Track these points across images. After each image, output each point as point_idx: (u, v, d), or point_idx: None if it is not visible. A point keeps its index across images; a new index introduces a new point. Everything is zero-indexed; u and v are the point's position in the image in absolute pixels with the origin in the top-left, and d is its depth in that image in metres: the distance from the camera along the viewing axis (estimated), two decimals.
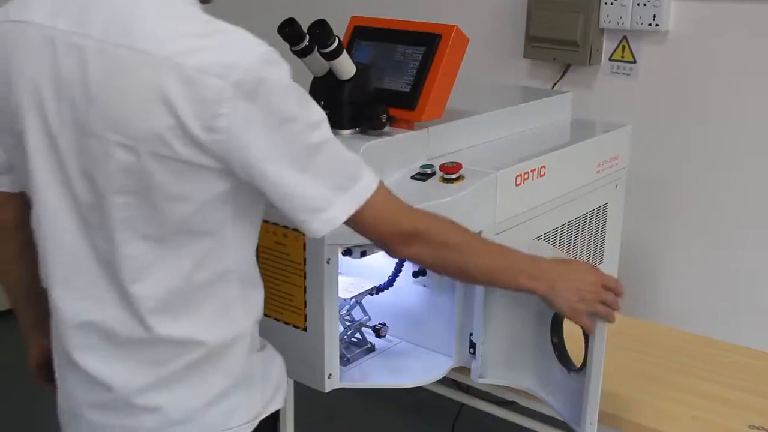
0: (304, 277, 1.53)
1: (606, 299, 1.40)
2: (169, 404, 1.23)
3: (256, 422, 1.30)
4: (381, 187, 1.20)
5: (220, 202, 1.16)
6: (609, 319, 1.42)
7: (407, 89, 1.63)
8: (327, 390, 1.59)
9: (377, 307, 1.75)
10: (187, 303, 1.21)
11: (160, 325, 1.20)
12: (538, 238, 1.79)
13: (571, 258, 1.46)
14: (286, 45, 1.53)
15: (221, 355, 1.24)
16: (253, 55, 1.09)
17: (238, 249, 1.22)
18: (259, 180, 1.12)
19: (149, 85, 1.08)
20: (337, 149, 1.17)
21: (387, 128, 1.60)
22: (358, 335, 1.74)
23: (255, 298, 1.29)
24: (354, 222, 1.19)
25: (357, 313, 1.73)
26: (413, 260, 1.33)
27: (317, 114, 1.15)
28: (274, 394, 1.34)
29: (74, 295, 1.23)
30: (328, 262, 1.50)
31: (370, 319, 1.74)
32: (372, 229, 1.22)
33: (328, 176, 1.15)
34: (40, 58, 1.15)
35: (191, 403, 1.24)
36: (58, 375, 1.32)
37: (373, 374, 1.67)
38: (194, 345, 1.22)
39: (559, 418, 1.54)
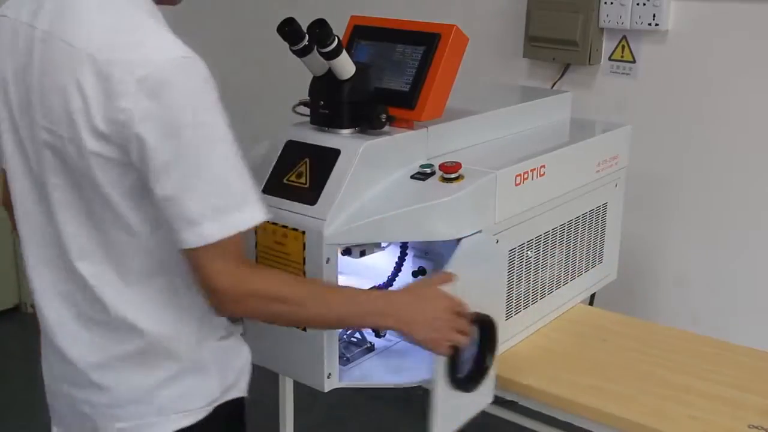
0: (304, 277, 1.53)
1: (459, 327, 1.42)
2: (119, 383, 1.30)
3: (211, 408, 1.35)
4: (244, 233, 1.20)
5: (138, 198, 1.21)
6: (463, 346, 1.44)
7: (407, 89, 1.63)
8: (326, 389, 1.59)
9: None
10: (130, 289, 1.26)
11: (106, 307, 1.26)
12: (538, 237, 1.79)
13: (423, 284, 1.47)
14: (286, 44, 1.53)
15: (165, 343, 1.29)
16: (164, 57, 1.14)
17: (175, 246, 1.24)
18: (150, 178, 1.16)
19: (70, 76, 1.15)
20: (231, 172, 1.18)
21: (386, 128, 1.60)
22: (357, 335, 1.74)
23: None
24: (207, 252, 1.18)
25: None
26: (246, 316, 1.36)
27: (220, 130, 1.17)
28: (234, 382, 1.38)
29: (42, 269, 1.31)
30: (327, 262, 1.50)
31: None
32: (216, 268, 1.19)
33: (210, 194, 1.17)
34: (7, 48, 1.24)
35: (141, 384, 1.30)
36: (43, 352, 1.40)
37: (373, 373, 1.67)
38: (137, 331, 1.27)
39: None
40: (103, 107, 1.14)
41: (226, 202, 1.18)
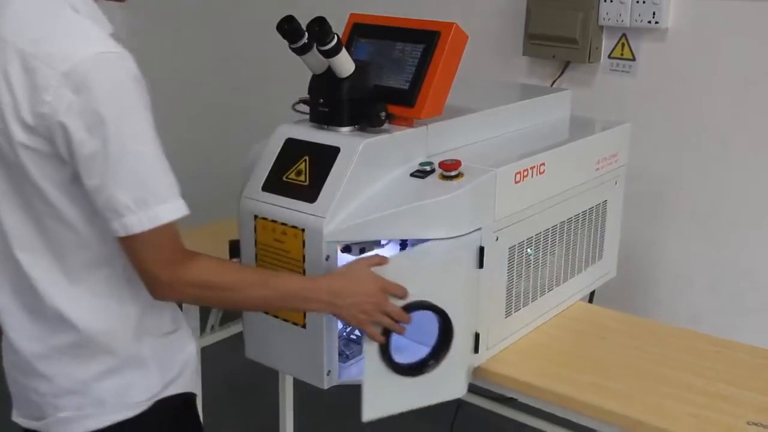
0: (303, 274, 1.53)
1: (387, 309, 1.45)
2: (59, 374, 1.34)
3: (151, 403, 1.38)
4: (175, 223, 1.25)
5: (71, 190, 1.24)
6: (392, 329, 1.47)
7: (406, 86, 1.63)
8: (326, 387, 1.59)
9: None
10: (69, 282, 1.30)
11: (45, 298, 1.30)
12: (538, 235, 1.80)
13: (355, 265, 1.48)
14: (285, 42, 1.53)
15: (101, 338, 1.32)
16: (88, 52, 1.17)
17: (113, 239, 1.28)
18: (79, 169, 1.21)
19: (1, 69, 1.19)
20: (153, 166, 1.23)
21: (386, 125, 1.60)
22: (356, 332, 1.74)
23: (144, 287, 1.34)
24: (137, 242, 1.23)
25: None
26: (180, 301, 1.39)
27: (144, 125, 1.22)
28: (176, 377, 1.41)
29: None
30: (327, 259, 1.50)
31: None
32: (148, 257, 1.25)
33: (133, 186, 1.21)
34: None
35: (79, 376, 1.34)
36: (2, 339, 1.43)
37: None
38: (70, 325, 1.31)
39: None
40: (29, 100, 1.18)
41: (148, 196, 1.22)
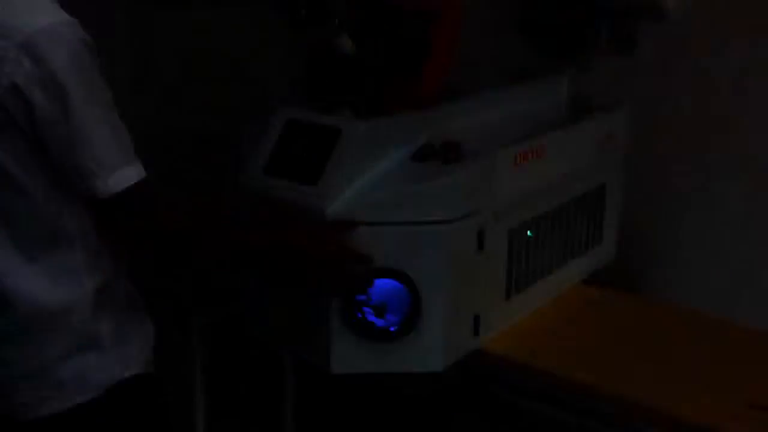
0: None
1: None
2: (17, 358, 1.33)
3: (110, 385, 1.37)
4: (146, 181, 1.28)
5: (29, 159, 1.25)
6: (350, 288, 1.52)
7: (407, 67, 1.62)
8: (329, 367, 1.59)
9: (378, 287, 1.75)
10: (25, 259, 1.30)
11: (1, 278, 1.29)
12: (538, 217, 1.80)
13: (320, 226, 1.52)
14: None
15: (57, 317, 1.32)
16: (42, 23, 1.20)
17: (75, 216, 1.30)
18: (43, 138, 1.22)
19: None
20: (115, 130, 1.26)
21: (387, 107, 1.59)
22: (358, 315, 1.74)
23: (102, 266, 1.35)
24: (112, 203, 1.27)
25: None
26: (149, 247, 1.41)
27: (102, 91, 1.25)
28: (134, 357, 1.41)
29: None
30: None
31: (371, 299, 1.74)
32: (121, 216, 1.29)
33: (98, 150, 1.24)
34: None
35: (38, 359, 1.33)
36: None
37: None
38: (21, 306, 1.30)
39: None
40: None
41: (113, 160, 1.25)
